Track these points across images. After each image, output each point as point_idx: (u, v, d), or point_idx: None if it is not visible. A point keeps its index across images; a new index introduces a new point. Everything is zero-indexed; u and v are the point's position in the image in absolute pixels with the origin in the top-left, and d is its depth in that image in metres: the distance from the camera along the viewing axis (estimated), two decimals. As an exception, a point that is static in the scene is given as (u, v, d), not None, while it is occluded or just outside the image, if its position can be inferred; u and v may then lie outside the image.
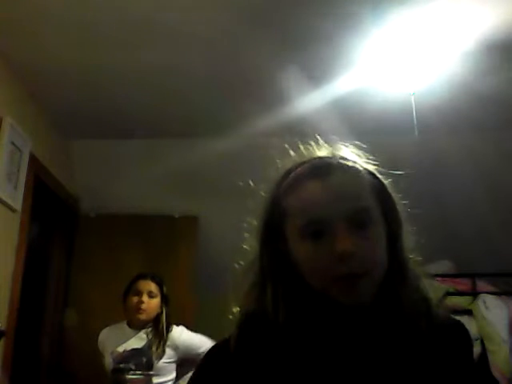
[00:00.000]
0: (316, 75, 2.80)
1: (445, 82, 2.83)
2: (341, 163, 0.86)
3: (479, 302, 2.95)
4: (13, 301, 2.80)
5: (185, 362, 2.60)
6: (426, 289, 0.86)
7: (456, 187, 3.44)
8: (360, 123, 3.12)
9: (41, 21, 2.45)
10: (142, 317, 2.60)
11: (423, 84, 2.84)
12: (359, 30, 2.48)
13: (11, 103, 2.86)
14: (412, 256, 0.87)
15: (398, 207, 0.88)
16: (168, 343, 2.58)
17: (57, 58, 2.74)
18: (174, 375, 2.61)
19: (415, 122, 2.76)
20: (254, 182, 0.98)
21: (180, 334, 2.65)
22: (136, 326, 2.63)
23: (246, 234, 0.91)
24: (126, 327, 2.65)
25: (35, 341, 3.42)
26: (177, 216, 3.75)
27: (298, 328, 0.81)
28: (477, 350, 2.84)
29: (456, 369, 0.81)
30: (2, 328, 2.63)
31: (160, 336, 2.58)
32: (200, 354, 2.46)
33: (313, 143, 0.91)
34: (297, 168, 0.86)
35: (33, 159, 3.03)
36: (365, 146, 0.91)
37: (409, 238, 0.88)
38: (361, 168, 0.87)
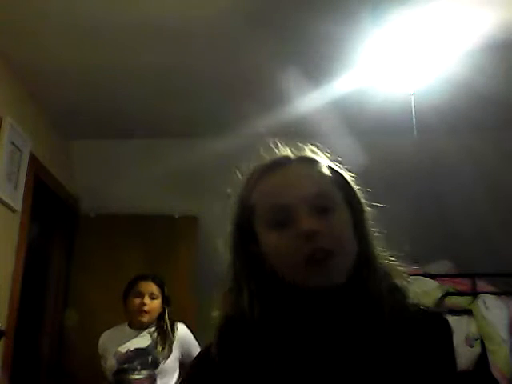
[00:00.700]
0: (316, 75, 2.81)
1: (444, 82, 2.83)
2: (300, 156, 0.90)
3: (479, 301, 2.95)
4: (13, 301, 2.80)
5: (182, 360, 2.61)
6: (396, 280, 0.87)
7: (456, 187, 3.44)
8: (360, 123, 3.12)
9: (41, 21, 2.45)
10: (145, 319, 2.60)
11: (423, 84, 2.84)
12: (359, 30, 2.48)
13: (11, 103, 2.86)
14: (381, 248, 0.88)
15: (359, 197, 0.90)
16: (174, 342, 2.58)
17: (57, 58, 2.74)
18: (177, 373, 2.60)
19: (414, 122, 2.76)
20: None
21: (184, 329, 2.67)
22: (138, 327, 2.62)
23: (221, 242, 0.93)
24: (128, 328, 2.64)
25: (35, 341, 3.42)
26: (177, 216, 3.75)
27: (274, 323, 0.83)
28: (477, 349, 2.85)
29: (426, 360, 0.81)
30: (2, 328, 2.63)
31: (166, 336, 2.58)
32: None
33: (274, 147, 0.94)
34: (259, 167, 0.90)
35: (33, 159, 3.03)
36: (321, 147, 0.93)
37: (372, 228, 0.89)
38: (320, 160, 0.90)
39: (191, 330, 2.71)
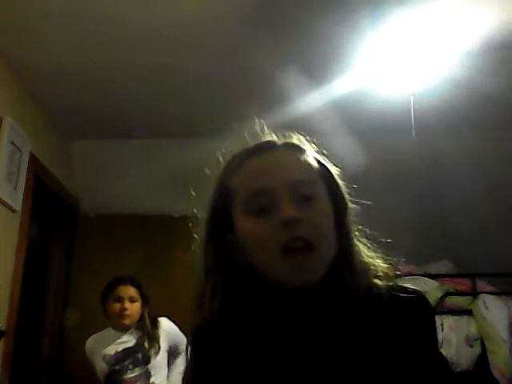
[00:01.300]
0: (316, 75, 2.81)
1: (444, 82, 2.83)
2: (286, 142, 0.87)
3: (479, 301, 2.95)
4: (13, 301, 2.80)
5: (170, 352, 2.65)
6: (376, 279, 0.82)
7: (456, 187, 3.44)
8: (360, 123, 3.12)
9: (41, 21, 2.45)
10: (127, 322, 2.64)
11: (422, 84, 2.84)
12: (359, 30, 2.48)
13: (11, 103, 2.86)
14: (364, 246, 0.85)
15: (343, 192, 0.86)
16: (160, 337, 2.62)
17: (57, 58, 2.74)
18: (166, 365, 2.65)
19: (414, 122, 2.76)
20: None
21: (167, 322, 2.70)
22: (121, 329, 2.65)
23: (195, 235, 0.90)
24: (112, 331, 2.67)
25: (35, 341, 3.42)
26: (177, 216, 3.75)
27: (238, 321, 0.80)
28: (477, 350, 2.85)
29: (409, 348, 0.77)
30: (2, 328, 2.63)
31: (150, 334, 2.61)
32: (183, 344, 2.56)
33: (259, 132, 0.91)
34: (241, 151, 0.87)
35: (33, 159, 3.03)
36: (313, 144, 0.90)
37: (355, 225, 0.85)
38: (306, 149, 0.86)
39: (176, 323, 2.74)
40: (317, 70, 2.78)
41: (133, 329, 2.64)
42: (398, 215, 3.36)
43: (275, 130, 0.90)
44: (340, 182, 0.86)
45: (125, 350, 2.58)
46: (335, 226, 0.81)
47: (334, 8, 2.35)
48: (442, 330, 2.88)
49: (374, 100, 3.02)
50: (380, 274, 0.83)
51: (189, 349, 0.88)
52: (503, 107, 3.06)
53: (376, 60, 2.70)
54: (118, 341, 2.61)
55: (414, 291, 0.82)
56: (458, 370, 2.77)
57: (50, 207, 3.59)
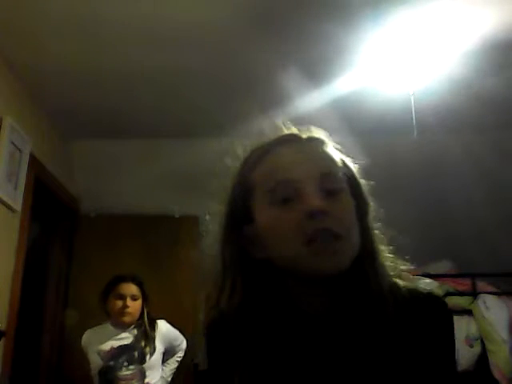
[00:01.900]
0: (316, 75, 2.81)
1: (444, 82, 2.83)
2: (311, 135, 0.85)
3: (479, 301, 2.95)
4: (13, 301, 2.80)
5: (165, 353, 2.69)
6: (396, 279, 0.82)
7: (456, 187, 3.44)
8: (360, 123, 3.12)
9: (41, 21, 2.45)
10: (128, 319, 2.64)
11: (423, 84, 2.84)
12: (359, 30, 2.48)
13: (11, 103, 2.86)
14: (383, 245, 0.84)
15: (364, 190, 0.85)
16: (156, 338, 2.63)
17: (57, 58, 2.74)
18: (161, 367, 2.68)
19: (414, 122, 2.76)
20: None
21: (165, 325, 2.72)
22: (121, 327, 2.65)
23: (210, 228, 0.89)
24: (110, 327, 2.67)
25: (35, 341, 3.42)
26: (177, 216, 3.75)
27: (257, 316, 0.79)
28: (477, 350, 2.85)
29: (427, 350, 0.76)
30: (2, 328, 2.63)
31: (147, 334, 2.62)
32: (178, 346, 2.74)
33: (279, 126, 0.89)
34: (263, 144, 0.86)
35: (33, 159, 3.03)
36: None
37: (375, 224, 0.85)
38: (329, 143, 0.86)
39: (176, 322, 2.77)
40: (317, 70, 2.78)
41: (132, 327, 2.65)
42: (398, 215, 3.36)
43: (276, 130, 0.90)
44: (361, 179, 0.86)
45: (121, 346, 2.58)
46: (357, 222, 0.80)
47: (334, 8, 2.35)
48: (442, 329, 2.88)
49: (374, 100, 3.02)
50: (399, 273, 0.83)
51: (204, 344, 0.88)
52: (503, 107, 3.06)
53: (376, 60, 2.70)
54: (116, 337, 2.61)
55: (430, 293, 0.82)
56: (458, 370, 2.76)
57: (50, 207, 3.59)
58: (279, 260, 0.79)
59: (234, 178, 0.86)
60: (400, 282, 0.82)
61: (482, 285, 3.11)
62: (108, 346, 2.58)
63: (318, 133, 0.87)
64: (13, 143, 2.79)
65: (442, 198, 3.52)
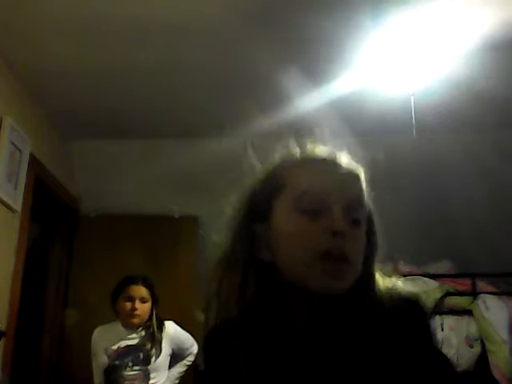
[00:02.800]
0: (316, 75, 2.81)
1: (444, 82, 2.83)
2: (349, 162, 0.89)
3: (479, 301, 2.95)
4: (13, 301, 2.80)
5: (173, 356, 2.68)
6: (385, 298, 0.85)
7: (456, 187, 3.44)
8: (360, 123, 3.12)
9: (41, 21, 2.45)
10: (136, 321, 2.64)
11: (423, 84, 2.84)
12: (359, 30, 2.48)
13: (11, 103, 2.86)
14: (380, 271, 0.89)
15: (377, 230, 0.89)
16: (164, 340, 2.63)
17: (57, 58, 2.74)
18: (167, 369, 2.66)
19: (414, 122, 2.76)
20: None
21: (173, 327, 2.71)
22: (130, 328, 2.65)
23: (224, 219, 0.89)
24: (120, 327, 2.67)
25: (35, 341, 3.42)
26: (177, 216, 3.75)
27: (265, 317, 0.81)
28: (477, 350, 2.85)
29: (406, 353, 0.79)
30: (2, 328, 2.63)
31: (154, 336, 2.62)
32: (188, 349, 2.71)
33: (318, 140, 0.92)
34: (304, 153, 0.89)
35: (33, 159, 3.03)
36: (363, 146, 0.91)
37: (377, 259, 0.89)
38: (362, 174, 0.89)
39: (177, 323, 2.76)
40: (317, 70, 2.78)
41: (140, 328, 2.64)
42: (398, 215, 3.36)
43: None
44: (376, 219, 0.90)
45: (127, 346, 2.58)
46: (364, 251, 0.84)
47: (334, 8, 2.35)
48: (442, 329, 2.89)
49: (374, 100, 3.02)
50: (381, 282, 0.87)
51: (207, 342, 0.89)
52: (502, 107, 3.06)
53: (376, 60, 2.70)
54: (124, 337, 2.61)
55: (408, 295, 0.85)
56: (458, 370, 2.77)
57: (50, 207, 3.59)
58: (285, 266, 0.82)
59: (263, 173, 0.89)
60: (380, 289, 0.85)
61: (481, 285, 3.11)
62: (116, 345, 2.59)
63: (357, 165, 0.91)
64: (13, 143, 2.80)
65: (441, 197, 3.52)
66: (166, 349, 2.63)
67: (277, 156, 0.90)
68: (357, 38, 2.54)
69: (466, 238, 3.39)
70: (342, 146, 0.90)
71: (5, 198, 2.71)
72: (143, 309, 2.64)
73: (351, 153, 0.90)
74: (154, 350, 2.57)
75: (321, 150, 0.89)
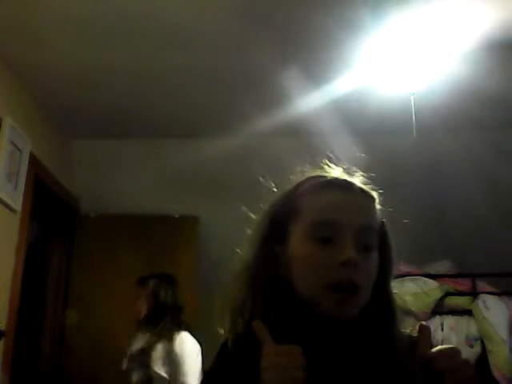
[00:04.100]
0: (316, 75, 2.81)
1: (444, 81, 2.83)
2: (362, 188, 0.91)
3: (479, 301, 2.95)
4: (13, 301, 2.80)
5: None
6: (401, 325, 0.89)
7: (455, 187, 3.44)
8: (359, 123, 3.12)
9: (41, 21, 2.45)
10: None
11: (423, 84, 2.84)
12: (359, 30, 2.48)
13: (11, 103, 2.86)
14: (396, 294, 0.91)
15: (392, 252, 0.91)
16: (164, 354, 2.53)
17: (57, 58, 2.74)
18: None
19: (414, 122, 2.76)
20: (255, 182, 0.98)
21: (181, 344, 2.58)
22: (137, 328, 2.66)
23: (246, 234, 0.92)
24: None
25: (35, 341, 3.42)
26: (177, 216, 3.75)
27: (286, 335, 0.81)
28: (477, 350, 2.85)
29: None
30: (2, 328, 2.63)
31: (154, 345, 2.56)
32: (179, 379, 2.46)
33: (330, 163, 0.95)
34: (318, 177, 0.91)
35: (33, 159, 3.03)
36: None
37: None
38: (376, 199, 0.92)
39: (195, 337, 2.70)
40: (317, 70, 2.78)
41: (145, 330, 2.63)
42: (398, 215, 3.36)
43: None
44: (391, 241, 0.91)
45: (138, 350, 2.58)
46: (378, 276, 0.87)
47: (334, 8, 2.34)
48: (442, 330, 2.89)
49: (373, 100, 3.02)
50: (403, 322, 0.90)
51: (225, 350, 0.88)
52: (502, 107, 3.06)
53: (376, 60, 2.70)
54: (135, 340, 2.62)
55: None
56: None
57: (49, 207, 3.59)
58: (299, 288, 0.85)
59: (281, 197, 0.92)
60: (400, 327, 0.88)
61: (481, 285, 3.11)
62: (131, 349, 2.60)
63: (370, 189, 0.93)
64: (13, 143, 2.80)
65: (441, 197, 3.52)
66: (161, 368, 2.51)
67: (294, 179, 0.93)
68: (357, 37, 2.54)
69: (466, 237, 3.40)
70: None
71: (5, 198, 2.71)
72: (137, 306, 2.68)
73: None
74: (155, 356, 2.51)
75: (335, 174, 0.91)
